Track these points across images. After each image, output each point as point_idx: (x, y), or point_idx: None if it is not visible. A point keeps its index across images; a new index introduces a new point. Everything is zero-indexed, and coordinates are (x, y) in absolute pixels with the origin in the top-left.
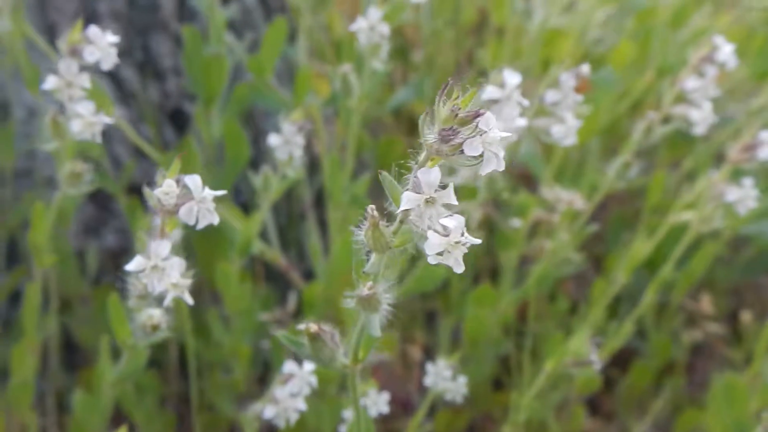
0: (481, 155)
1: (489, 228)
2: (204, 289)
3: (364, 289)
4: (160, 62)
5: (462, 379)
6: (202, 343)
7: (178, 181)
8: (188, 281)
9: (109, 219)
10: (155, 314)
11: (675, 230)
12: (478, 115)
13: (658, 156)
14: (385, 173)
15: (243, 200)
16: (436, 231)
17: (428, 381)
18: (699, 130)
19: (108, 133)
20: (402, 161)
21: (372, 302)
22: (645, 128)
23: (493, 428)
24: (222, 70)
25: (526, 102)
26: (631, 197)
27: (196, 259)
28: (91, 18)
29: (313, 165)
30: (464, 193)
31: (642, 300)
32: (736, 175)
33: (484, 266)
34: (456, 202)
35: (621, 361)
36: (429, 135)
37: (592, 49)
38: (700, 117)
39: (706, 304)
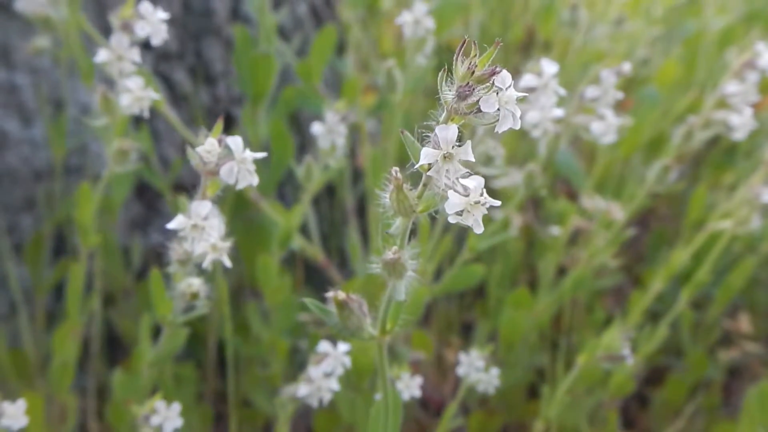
0: (498, 112)
1: (529, 239)
2: (245, 287)
3: (389, 253)
4: (211, 67)
5: (495, 371)
6: (241, 339)
7: (220, 141)
8: (227, 244)
9: (155, 218)
10: (195, 282)
11: (715, 241)
12: (494, 72)
13: (702, 175)
14: (406, 133)
15: (287, 204)
16: (456, 191)
17: (461, 371)
18: (739, 135)
19: (157, 132)
20: (425, 123)
21: (397, 267)
22: (685, 133)
23: None
24: (270, 69)
25: (562, 91)
26: (673, 216)
27: (238, 257)
28: None
29: (356, 174)
30: (504, 196)
31: (677, 304)
32: None
33: (523, 277)
34: (473, 158)
35: (656, 378)
36: (447, 93)
37: (639, 70)
38: (740, 122)
39: (745, 323)
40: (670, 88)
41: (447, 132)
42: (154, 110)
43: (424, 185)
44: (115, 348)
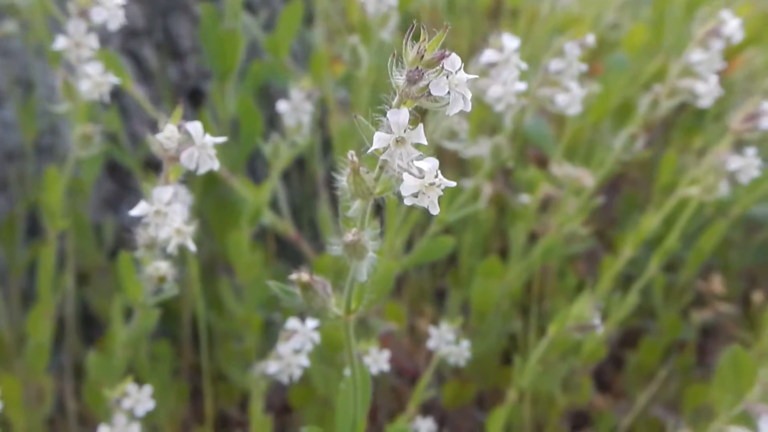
0: (448, 96)
1: (500, 207)
2: (217, 263)
3: (349, 235)
4: (179, 43)
5: (465, 343)
6: (215, 314)
7: (180, 127)
8: (191, 228)
9: (128, 195)
10: (162, 266)
11: (685, 206)
12: (443, 56)
13: (672, 139)
14: (360, 117)
15: (259, 178)
16: (411, 173)
17: (431, 344)
18: (704, 102)
19: (127, 109)
20: (380, 107)
21: (357, 248)
22: (651, 102)
23: (501, 401)
24: (237, 45)
25: (524, 65)
26: (644, 180)
27: (209, 233)
28: None
29: (326, 145)
30: (473, 165)
31: (648, 269)
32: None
33: (494, 246)
34: (425, 142)
35: (630, 340)
36: (398, 78)
37: (607, 35)
38: (706, 90)
39: (717, 284)
40: (639, 53)
41: (398, 116)
42: (121, 88)
43: (381, 168)
44: (91, 326)
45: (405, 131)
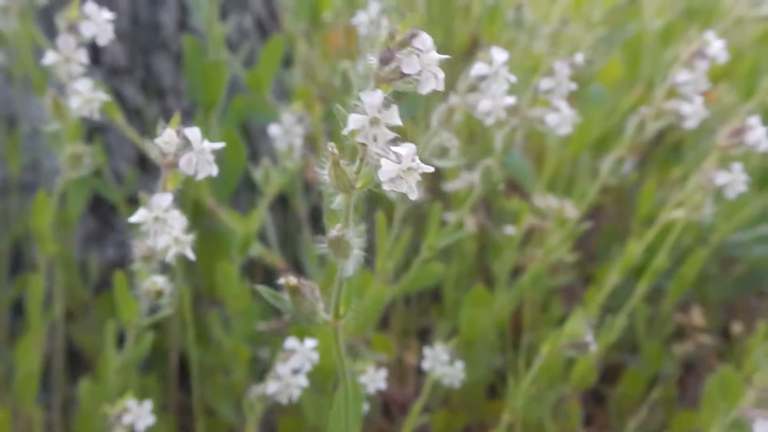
0: (420, 75)
1: (481, 242)
2: (202, 298)
3: (333, 231)
4: (161, 81)
5: (459, 364)
6: (201, 348)
7: (178, 133)
8: (190, 238)
9: (110, 233)
10: (159, 280)
11: (667, 234)
12: (413, 35)
13: (649, 173)
14: (338, 106)
15: (242, 212)
16: (389, 158)
17: (426, 365)
18: (690, 123)
19: (109, 147)
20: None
21: (342, 245)
22: (638, 123)
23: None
24: (221, 77)
25: (513, 78)
26: (621, 215)
27: (196, 267)
28: None
29: (307, 187)
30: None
31: (633, 295)
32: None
33: (478, 280)
34: (399, 122)
35: (612, 376)
36: (371, 60)
37: (582, 72)
38: (692, 110)
39: (697, 316)
40: (615, 87)
41: (372, 97)
42: (106, 125)
43: (361, 159)
44: (76, 364)
45: (379, 112)
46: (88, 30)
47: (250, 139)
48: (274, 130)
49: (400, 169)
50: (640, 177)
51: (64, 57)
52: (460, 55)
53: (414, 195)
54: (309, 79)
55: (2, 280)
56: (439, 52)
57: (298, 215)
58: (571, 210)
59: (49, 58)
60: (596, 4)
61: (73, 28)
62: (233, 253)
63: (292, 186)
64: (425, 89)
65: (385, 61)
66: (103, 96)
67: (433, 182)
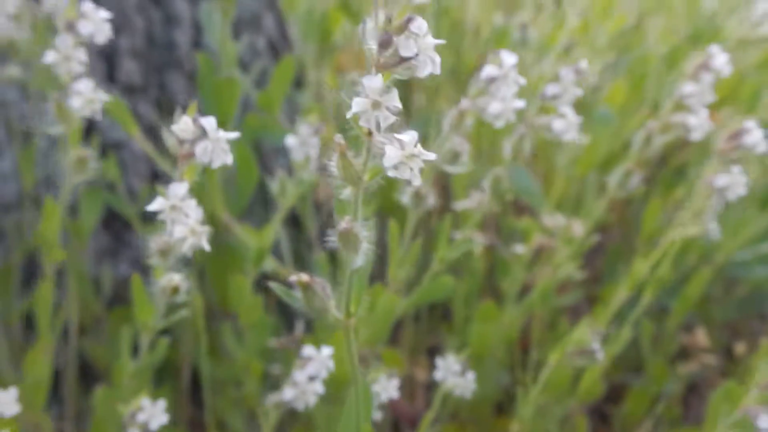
0: (418, 58)
1: (490, 261)
2: (213, 312)
3: (342, 223)
4: (175, 99)
5: (471, 375)
6: (214, 362)
7: (194, 121)
8: (206, 228)
9: (123, 249)
10: (175, 277)
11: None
12: (410, 20)
13: (652, 195)
14: (341, 92)
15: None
16: (392, 145)
17: (438, 375)
18: (696, 135)
19: (123, 164)
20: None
21: (351, 238)
22: (645, 137)
23: None
24: (234, 93)
25: (523, 80)
26: (625, 237)
27: (208, 281)
28: (111, 52)
29: (318, 207)
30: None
31: (640, 302)
32: None
33: (488, 298)
34: (400, 105)
35: (616, 396)
36: (371, 45)
37: (588, 97)
38: (697, 123)
39: (702, 336)
40: (621, 109)
41: (372, 81)
42: (120, 141)
43: (367, 150)
44: (88, 377)
45: (380, 95)
46: (85, 28)
47: (262, 158)
48: (290, 140)
49: (403, 156)
50: (645, 197)
51: (63, 56)
52: (469, 75)
53: (417, 181)
54: (319, 100)
55: (15, 292)
56: (448, 74)
57: (308, 235)
58: (579, 228)
59: (49, 57)
60: (602, 29)
61: (71, 27)
62: (247, 266)
63: (303, 205)
64: (423, 72)
65: (383, 45)
66: (104, 96)
67: (444, 198)
